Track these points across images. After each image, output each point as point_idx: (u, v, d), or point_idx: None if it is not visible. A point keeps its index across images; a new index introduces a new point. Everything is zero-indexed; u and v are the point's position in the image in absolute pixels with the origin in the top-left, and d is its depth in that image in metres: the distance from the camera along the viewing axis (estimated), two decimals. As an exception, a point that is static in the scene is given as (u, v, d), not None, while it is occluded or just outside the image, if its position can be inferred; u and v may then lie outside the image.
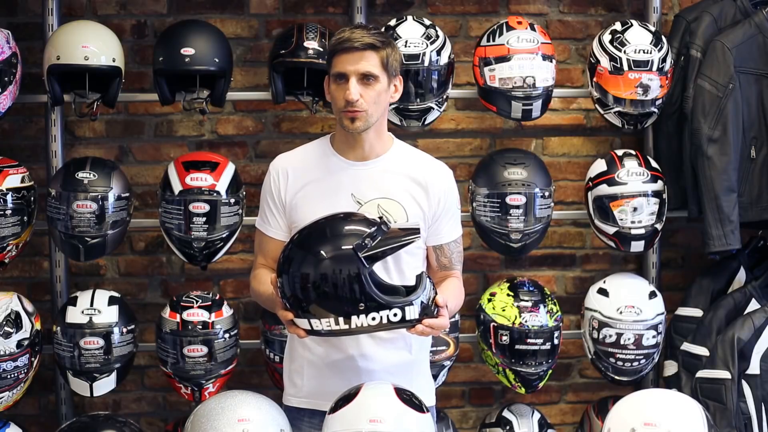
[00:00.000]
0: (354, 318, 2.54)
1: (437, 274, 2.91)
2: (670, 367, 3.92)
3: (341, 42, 2.75)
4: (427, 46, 3.68)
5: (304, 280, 2.54)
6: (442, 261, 2.92)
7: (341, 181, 2.83)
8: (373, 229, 2.57)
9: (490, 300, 3.82)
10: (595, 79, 3.80)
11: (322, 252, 2.54)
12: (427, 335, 2.68)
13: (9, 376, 3.52)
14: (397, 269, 2.81)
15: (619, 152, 3.88)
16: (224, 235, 3.67)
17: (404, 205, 2.82)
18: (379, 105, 2.78)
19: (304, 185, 2.85)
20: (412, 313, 2.57)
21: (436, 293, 2.64)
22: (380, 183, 2.83)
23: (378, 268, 2.63)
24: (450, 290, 2.80)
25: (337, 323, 2.55)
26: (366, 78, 2.74)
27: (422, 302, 2.58)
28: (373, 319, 2.55)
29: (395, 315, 2.56)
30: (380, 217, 2.66)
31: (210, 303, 3.74)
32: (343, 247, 2.54)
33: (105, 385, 3.67)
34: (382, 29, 2.77)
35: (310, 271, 2.54)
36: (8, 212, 3.58)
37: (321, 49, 3.68)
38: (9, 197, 3.58)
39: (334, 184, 2.83)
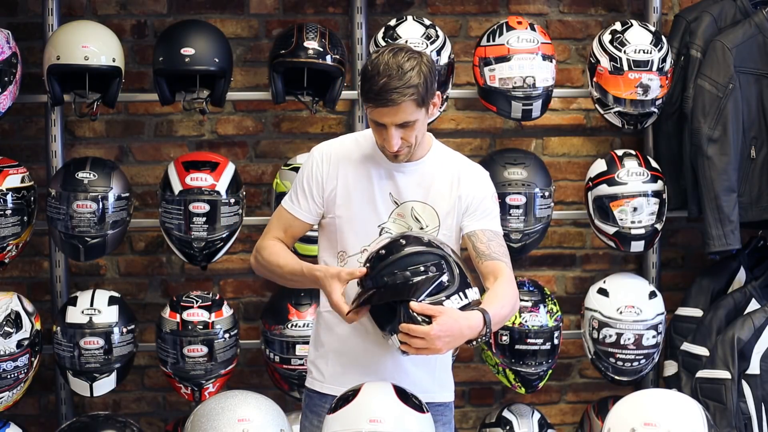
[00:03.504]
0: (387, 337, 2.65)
1: (481, 265, 2.80)
2: (670, 367, 3.92)
3: (374, 98, 2.65)
4: (427, 46, 3.68)
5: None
6: (479, 247, 2.81)
7: (381, 179, 2.81)
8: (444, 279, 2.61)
9: (490, 300, 3.82)
10: (595, 79, 3.80)
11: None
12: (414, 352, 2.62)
13: (9, 376, 3.52)
14: None
15: (619, 152, 3.88)
16: (224, 235, 3.67)
17: (437, 210, 2.81)
18: (419, 135, 2.76)
19: (345, 176, 2.83)
20: (395, 342, 2.61)
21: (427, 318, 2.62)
22: (417, 186, 2.81)
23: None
24: (491, 296, 2.71)
25: (384, 337, 2.67)
26: (404, 124, 2.70)
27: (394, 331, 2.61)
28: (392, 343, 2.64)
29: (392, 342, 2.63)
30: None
31: (210, 303, 3.74)
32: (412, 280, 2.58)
33: (105, 385, 3.67)
34: (409, 52, 2.68)
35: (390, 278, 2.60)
36: (8, 212, 3.58)
37: (321, 49, 3.68)
38: (9, 197, 3.58)
39: (374, 182, 2.81)
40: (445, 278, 2.60)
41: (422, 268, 2.59)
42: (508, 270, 2.77)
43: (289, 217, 2.88)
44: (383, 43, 3.70)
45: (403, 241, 2.64)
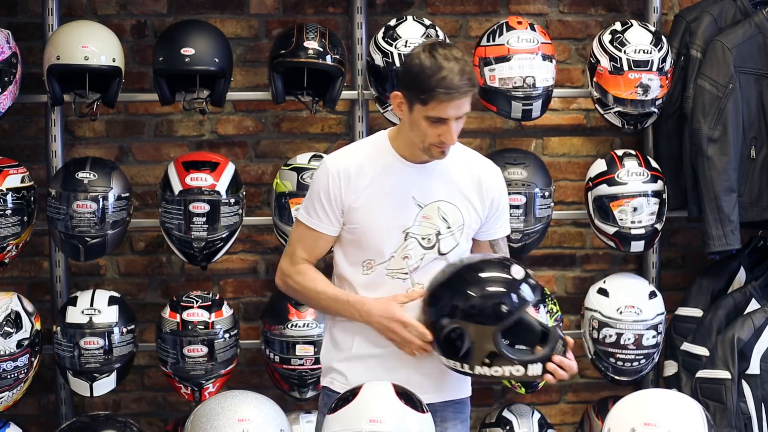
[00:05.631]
0: (477, 368, 2.66)
1: None
2: (670, 367, 3.92)
3: (447, 89, 2.62)
4: (427, 46, 3.68)
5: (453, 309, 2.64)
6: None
7: (402, 182, 2.78)
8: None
9: (490, 300, 3.81)
10: (595, 79, 3.80)
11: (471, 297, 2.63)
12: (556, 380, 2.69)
13: (9, 376, 3.52)
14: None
15: (619, 152, 3.88)
16: (224, 235, 3.67)
17: (460, 208, 2.80)
18: None
19: (366, 186, 2.78)
20: (535, 370, 2.64)
21: (564, 340, 2.67)
22: (439, 185, 2.79)
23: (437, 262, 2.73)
24: None
25: (461, 366, 2.67)
26: (460, 117, 2.70)
27: (545, 360, 2.63)
28: (496, 371, 2.64)
29: (518, 370, 2.64)
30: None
31: (210, 303, 3.74)
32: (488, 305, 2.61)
33: (105, 385, 3.67)
34: (456, 47, 2.70)
35: (459, 306, 2.63)
36: (8, 212, 3.58)
37: (321, 49, 3.68)
38: (9, 197, 3.58)
39: (395, 186, 2.78)
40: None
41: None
42: None
43: (314, 234, 2.83)
44: (383, 43, 3.70)
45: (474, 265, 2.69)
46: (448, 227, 2.78)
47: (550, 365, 2.63)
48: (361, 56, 3.88)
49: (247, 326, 4.08)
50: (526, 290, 2.63)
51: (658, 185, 3.80)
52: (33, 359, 3.62)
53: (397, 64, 3.65)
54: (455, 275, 2.67)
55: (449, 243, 2.79)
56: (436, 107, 2.64)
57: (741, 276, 3.95)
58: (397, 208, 2.75)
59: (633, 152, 3.88)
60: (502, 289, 2.63)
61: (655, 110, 3.78)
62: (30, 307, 3.66)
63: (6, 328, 3.52)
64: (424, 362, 2.78)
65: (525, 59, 3.69)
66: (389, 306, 2.72)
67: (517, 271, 2.64)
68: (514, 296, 2.62)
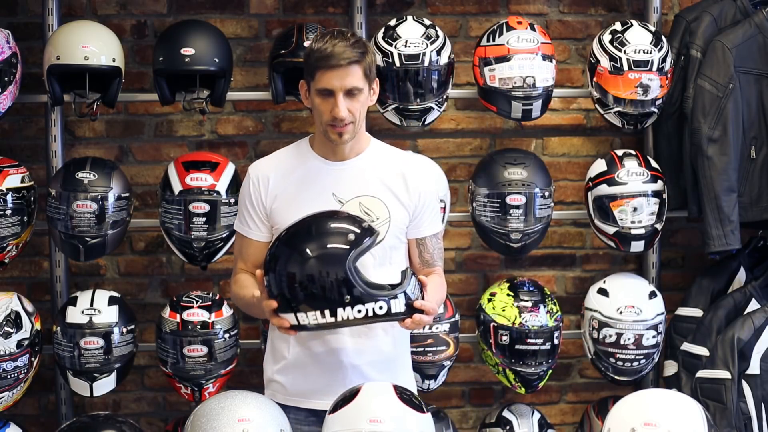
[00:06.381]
0: (340, 311, 2.59)
1: (420, 271, 2.92)
2: (670, 367, 3.92)
3: (325, 58, 2.74)
4: (427, 46, 3.68)
5: (291, 279, 2.58)
6: (425, 257, 2.94)
7: (322, 181, 2.85)
8: (356, 226, 2.62)
9: (490, 300, 3.82)
10: (595, 79, 3.80)
11: (308, 251, 2.58)
12: (414, 327, 2.69)
13: (9, 376, 3.52)
14: (381, 264, 2.82)
15: (619, 152, 3.88)
16: (224, 235, 3.67)
17: (385, 201, 2.85)
18: (362, 113, 2.82)
19: (285, 188, 2.87)
20: (398, 306, 2.62)
21: (421, 288, 2.67)
22: (360, 181, 2.85)
23: (362, 263, 2.65)
24: (432, 285, 2.77)
25: (323, 316, 2.60)
26: (351, 92, 2.76)
27: (407, 295, 2.62)
28: (359, 311, 2.59)
29: (380, 308, 2.60)
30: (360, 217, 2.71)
31: (210, 303, 3.74)
32: (329, 246, 2.59)
33: (105, 385, 3.67)
34: (353, 33, 2.81)
35: (297, 270, 2.58)
36: (8, 212, 3.58)
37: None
38: (9, 197, 3.58)
39: (315, 185, 2.85)
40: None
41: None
42: (441, 271, 2.98)
43: (246, 241, 2.93)
44: (383, 43, 3.70)
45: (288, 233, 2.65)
46: (372, 221, 2.80)
47: (415, 315, 2.62)
48: (361, 56, 3.88)
49: (247, 326, 4.08)
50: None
51: (658, 185, 3.80)
52: (33, 359, 3.62)
53: (398, 64, 3.65)
54: (287, 239, 2.64)
55: None
56: (321, 79, 2.75)
57: (741, 276, 3.95)
58: (317, 207, 2.77)
59: (633, 152, 3.88)
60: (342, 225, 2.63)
61: (655, 110, 3.78)
62: (30, 307, 3.66)
63: (6, 328, 3.52)
64: (364, 364, 2.82)
65: (525, 59, 3.69)
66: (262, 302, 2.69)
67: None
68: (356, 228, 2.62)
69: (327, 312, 2.59)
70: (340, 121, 2.76)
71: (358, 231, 2.61)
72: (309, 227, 2.64)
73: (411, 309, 2.64)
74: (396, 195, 2.86)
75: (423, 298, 2.66)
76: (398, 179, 2.87)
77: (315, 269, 2.57)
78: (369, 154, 2.90)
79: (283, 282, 2.59)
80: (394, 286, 2.64)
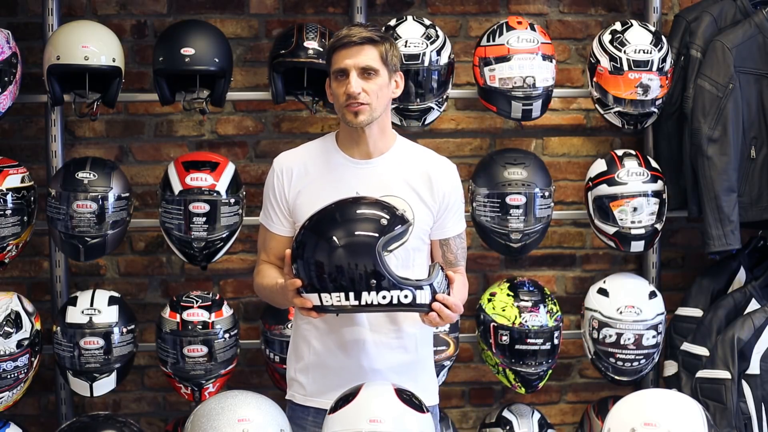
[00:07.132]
0: (365, 294, 2.56)
1: (446, 270, 2.88)
2: (670, 367, 3.92)
3: (340, 39, 2.77)
4: (427, 46, 3.68)
5: (319, 267, 2.56)
6: (448, 257, 2.92)
7: (345, 179, 2.83)
8: (387, 212, 2.60)
9: (490, 300, 3.82)
10: (595, 79, 3.80)
11: (335, 239, 2.57)
12: (437, 323, 2.66)
13: (9, 376, 3.52)
14: (404, 266, 2.79)
15: (619, 152, 3.88)
16: (224, 235, 3.67)
17: (409, 202, 2.82)
18: (381, 99, 2.78)
19: (308, 184, 2.85)
20: (423, 297, 2.59)
21: (448, 283, 2.66)
22: (385, 180, 2.82)
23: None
24: (456, 284, 2.77)
25: (347, 299, 2.57)
26: (366, 72, 2.75)
27: (433, 287, 2.60)
28: (384, 297, 2.56)
29: (406, 297, 2.58)
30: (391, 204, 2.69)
31: (210, 303, 3.74)
32: (356, 233, 2.57)
33: (105, 385, 3.67)
34: (382, 28, 2.76)
35: (324, 259, 2.56)
36: (8, 212, 3.58)
37: (321, 49, 3.67)
38: (9, 197, 3.58)
39: (339, 183, 2.82)
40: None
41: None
42: (464, 271, 2.95)
43: (269, 234, 2.93)
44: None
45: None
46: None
47: (436, 304, 2.60)
48: (361, 56, 3.88)
49: (247, 326, 4.08)
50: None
51: (658, 185, 3.80)
52: (33, 359, 3.62)
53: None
54: (314, 226, 2.63)
55: None
56: (335, 60, 2.77)
57: (741, 276, 3.95)
58: None
59: (633, 152, 3.88)
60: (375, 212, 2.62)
61: (655, 110, 3.78)
62: (30, 307, 3.66)
63: (6, 328, 3.52)
64: (384, 371, 2.81)
65: (525, 59, 3.69)
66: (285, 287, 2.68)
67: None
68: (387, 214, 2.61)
69: (351, 295, 2.56)
70: (354, 98, 2.74)
71: (389, 217, 2.59)
72: (334, 214, 2.62)
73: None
74: (420, 196, 2.84)
75: (449, 294, 2.66)
76: (423, 180, 2.85)
77: (343, 258, 2.54)
78: (394, 153, 2.87)
79: (311, 270, 2.57)
80: (421, 282, 2.63)
